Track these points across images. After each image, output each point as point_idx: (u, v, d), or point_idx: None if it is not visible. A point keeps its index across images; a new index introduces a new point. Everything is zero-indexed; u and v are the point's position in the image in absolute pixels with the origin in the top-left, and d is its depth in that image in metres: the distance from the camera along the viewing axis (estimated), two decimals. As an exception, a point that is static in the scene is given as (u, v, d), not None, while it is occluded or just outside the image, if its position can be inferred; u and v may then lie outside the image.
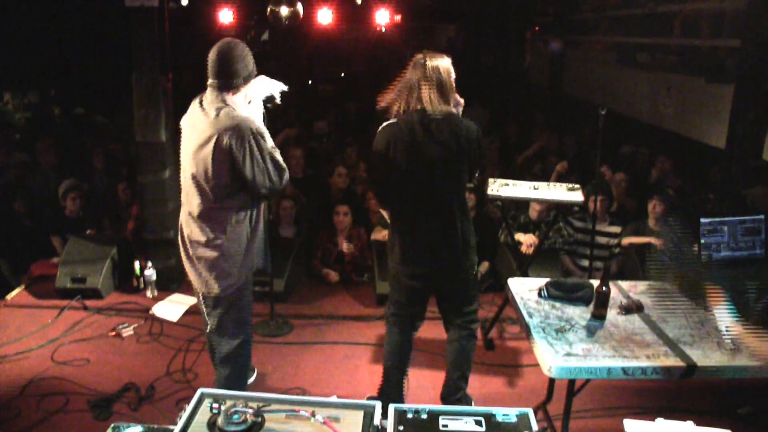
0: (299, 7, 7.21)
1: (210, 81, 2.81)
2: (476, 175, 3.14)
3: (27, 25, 7.40)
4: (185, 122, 2.94)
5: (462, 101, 3.04)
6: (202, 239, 2.87)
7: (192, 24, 8.83)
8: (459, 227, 3.02)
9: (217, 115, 2.74)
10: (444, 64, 2.94)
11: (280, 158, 2.89)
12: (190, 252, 2.93)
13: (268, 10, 7.23)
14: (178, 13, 7.34)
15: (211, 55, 2.81)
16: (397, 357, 3.31)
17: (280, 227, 5.43)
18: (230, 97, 2.81)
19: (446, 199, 2.99)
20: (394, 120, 2.98)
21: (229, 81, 2.79)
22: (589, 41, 9.78)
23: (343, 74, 12.45)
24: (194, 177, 2.82)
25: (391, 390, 3.35)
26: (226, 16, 8.33)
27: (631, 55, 7.98)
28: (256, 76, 2.96)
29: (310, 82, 11.62)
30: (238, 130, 2.70)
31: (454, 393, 3.33)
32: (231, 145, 2.69)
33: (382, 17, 8.68)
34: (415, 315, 3.29)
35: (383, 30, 9.10)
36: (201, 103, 2.86)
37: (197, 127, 2.80)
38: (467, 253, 3.09)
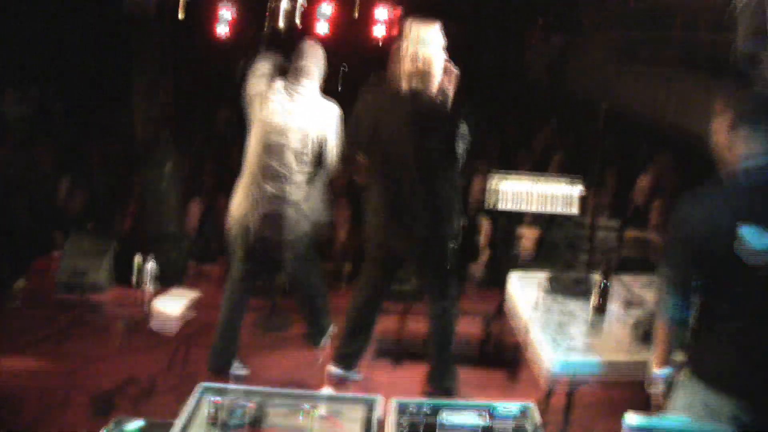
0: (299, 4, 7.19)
1: None
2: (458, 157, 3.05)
3: (27, 25, 7.39)
4: None
5: (455, 69, 3.02)
6: None
7: (192, 24, 8.82)
8: (436, 202, 3.03)
9: None
10: (427, 32, 2.95)
11: None
12: None
13: (268, 10, 7.21)
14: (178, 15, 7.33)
15: None
16: (360, 306, 3.47)
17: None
18: None
19: (417, 169, 2.99)
20: (374, 88, 3.05)
21: None
22: (590, 39, 9.76)
23: (343, 74, 12.41)
24: None
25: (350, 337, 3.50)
26: (226, 16, 8.30)
27: (631, 53, 7.95)
28: None
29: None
30: None
31: (437, 367, 3.37)
32: None
33: (382, 15, 8.65)
34: (381, 277, 3.40)
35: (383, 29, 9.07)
36: None
37: None
38: (440, 226, 3.09)
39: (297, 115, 3.37)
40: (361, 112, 3.11)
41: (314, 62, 3.43)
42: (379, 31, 8.50)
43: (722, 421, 2.00)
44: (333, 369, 3.54)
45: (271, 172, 3.39)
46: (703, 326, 2.07)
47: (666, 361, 2.13)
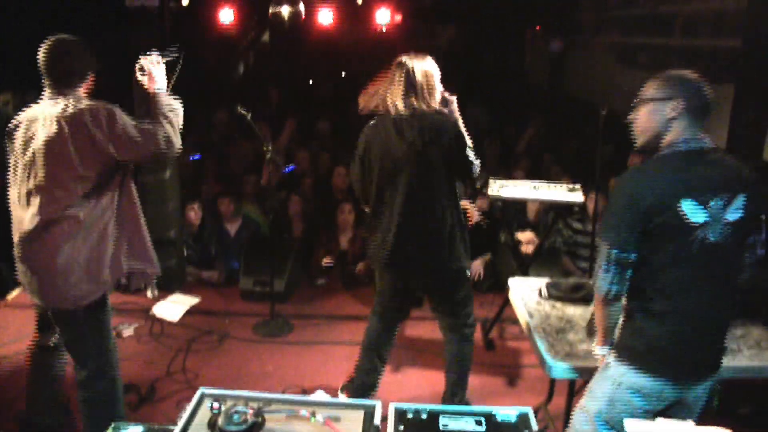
0: (301, 7, 7.22)
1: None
2: (471, 173, 3.05)
3: (27, 25, 7.41)
4: None
5: (452, 98, 3.06)
6: None
7: (193, 24, 8.83)
8: (440, 227, 3.01)
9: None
10: (423, 65, 2.97)
11: None
12: None
13: (270, 10, 7.25)
14: (179, 14, 7.34)
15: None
16: (374, 342, 3.36)
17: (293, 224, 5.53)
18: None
19: (421, 198, 2.99)
20: (374, 121, 3.05)
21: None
22: (590, 41, 9.78)
23: (343, 74, 12.47)
24: None
25: (364, 370, 3.40)
26: (226, 15, 8.34)
27: (631, 56, 7.97)
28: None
29: (310, 82, 11.63)
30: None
31: (450, 398, 3.34)
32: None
33: (383, 17, 8.69)
34: (395, 309, 3.34)
35: (383, 30, 9.11)
36: None
37: None
38: (452, 254, 3.06)
39: None
40: (361, 151, 3.12)
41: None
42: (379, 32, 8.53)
43: (650, 400, 2.09)
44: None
45: None
46: (631, 305, 2.11)
47: (608, 339, 2.19)
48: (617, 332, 2.18)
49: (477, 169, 3.03)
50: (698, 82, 2.07)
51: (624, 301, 2.12)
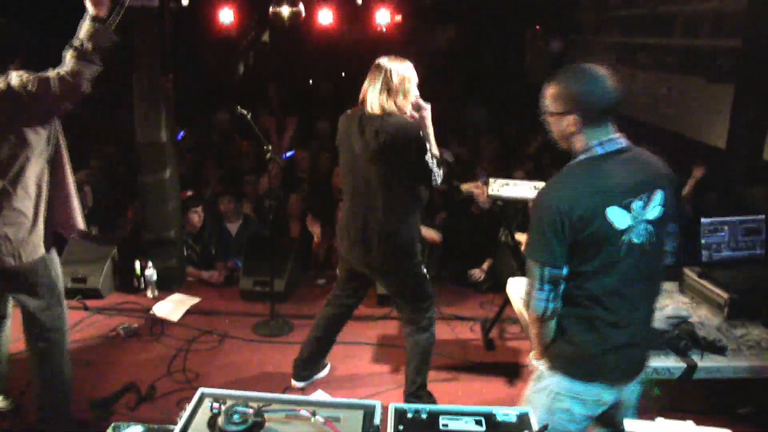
0: (301, 7, 7.21)
1: None
2: (429, 180, 3.06)
3: (27, 25, 7.40)
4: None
5: (426, 106, 3.07)
6: None
7: (193, 24, 8.82)
8: (382, 228, 3.08)
9: None
10: (400, 68, 3.01)
11: None
12: None
13: (270, 10, 7.24)
14: (179, 13, 7.33)
15: None
16: (321, 324, 3.60)
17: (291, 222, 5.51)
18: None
19: (371, 196, 3.08)
20: (349, 111, 3.15)
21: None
22: (590, 41, 9.78)
23: (343, 74, 12.47)
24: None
25: (310, 346, 3.64)
26: (226, 15, 8.33)
27: (632, 56, 7.97)
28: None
29: (310, 82, 11.62)
30: None
31: (409, 387, 3.40)
32: None
33: (383, 17, 8.68)
34: (345, 296, 3.54)
35: (383, 30, 9.10)
36: None
37: None
38: (394, 256, 3.14)
39: None
40: (337, 139, 3.24)
41: None
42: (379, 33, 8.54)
43: (589, 406, 2.09)
44: (295, 384, 3.71)
45: None
46: (561, 315, 2.07)
47: (545, 353, 2.17)
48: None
49: (438, 178, 3.06)
50: (594, 86, 1.96)
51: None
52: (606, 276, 1.99)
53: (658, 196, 1.99)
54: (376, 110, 2.99)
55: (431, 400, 3.45)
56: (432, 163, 3.01)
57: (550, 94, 2.03)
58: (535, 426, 1.73)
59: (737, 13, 5.76)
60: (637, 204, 1.96)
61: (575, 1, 10.00)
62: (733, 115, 5.24)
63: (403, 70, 3.01)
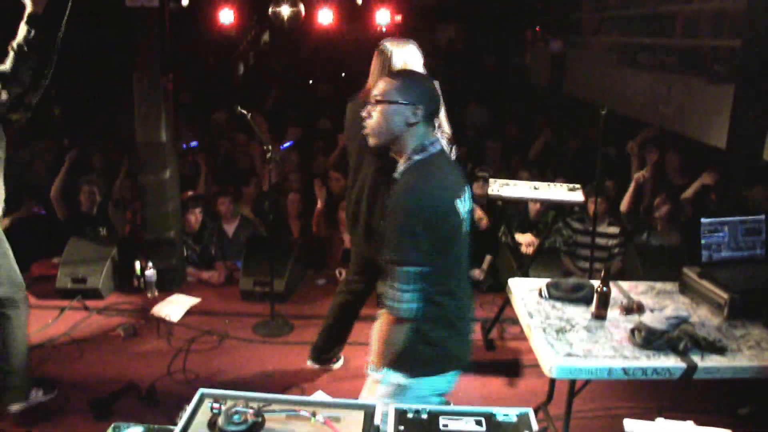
0: (301, 7, 7.22)
1: None
2: None
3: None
4: None
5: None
6: None
7: (193, 24, 8.83)
8: (368, 214, 3.13)
9: None
10: (402, 51, 3.00)
11: None
12: None
13: (270, 10, 7.24)
14: (179, 13, 7.34)
15: None
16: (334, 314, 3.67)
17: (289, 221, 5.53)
18: None
19: (368, 178, 3.09)
20: (356, 99, 3.14)
21: None
22: (590, 41, 9.78)
23: (343, 74, 12.48)
24: None
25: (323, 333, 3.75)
26: (226, 16, 8.33)
27: (631, 56, 7.97)
28: None
29: (310, 82, 11.63)
30: None
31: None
32: None
33: (383, 17, 8.69)
34: (359, 281, 3.57)
35: (384, 30, 9.10)
36: None
37: None
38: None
39: None
40: (345, 125, 3.26)
41: None
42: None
43: (430, 401, 2.13)
44: (311, 364, 3.83)
45: None
46: (420, 316, 2.05)
47: (396, 359, 2.13)
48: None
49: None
50: (432, 84, 2.14)
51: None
52: (455, 267, 2.11)
53: (467, 191, 2.17)
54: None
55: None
56: (444, 141, 3.00)
57: (394, 83, 2.08)
58: (535, 426, 1.73)
59: (737, 13, 5.76)
60: (463, 198, 2.12)
61: (575, 1, 10.00)
62: (733, 115, 5.24)
63: (404, 52, 3.00)
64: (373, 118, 2.09)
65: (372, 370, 2.19)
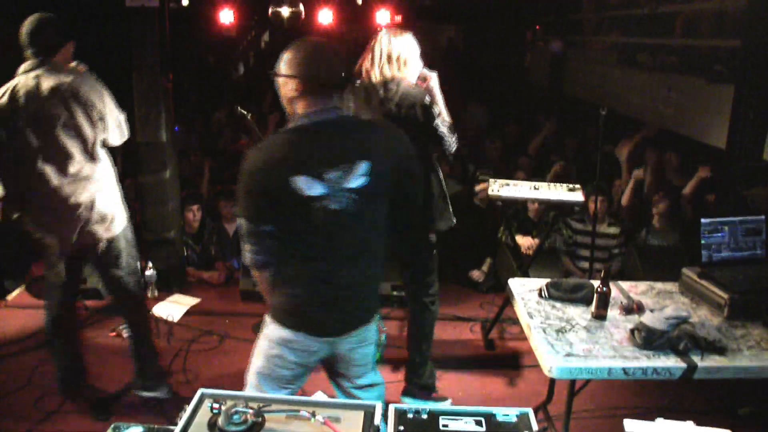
0: (301, 7, 7.22)
1: None
2: (443, 145, 3.09)
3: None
4: None
5: (431, 74, 3.11)
6: None
7: (193, 24, 8.83)
8: None
9: None
10: (397, 40, 3.02)
11: None
12: None
13: (270, 10, 7.24)
14: (179, 13, 7.34)
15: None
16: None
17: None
18: None
19: None
20: (355, 84, 3.13)
21: None
22: (590, 41, 9.78)
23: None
24: None
25: None
26: (226, 16, 8.33)
27: (631, 56, 7.97)
28: None
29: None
30: None
31: (410, 366, 3.50)
32: None
33: (383, 18, 8.68)
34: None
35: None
36: None
37: None
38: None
39: None
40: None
41: None
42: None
43: (299, 354, 2.28)
44: None
45: None
46: (274, 270, 2.22)
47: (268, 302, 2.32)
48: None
49: (451, 144, 3.08)
50: (318, 59, 2.12)
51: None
52: (311, 236, 2.14)
53: (362, 167, 2.11)
54: (379, 79, 3.00)
55: (432, 376, 3.50)
56: (443, 128, 3.02)
57: (284, 58, 2.16)
58: (535, 426, 1.73)
59: (737, 13, 5.76)
60: (333, 174, 2.07)
61: (575, 1, 10.00)
62: (732, 115, 5.24)
63: (401, 41, 3.02)
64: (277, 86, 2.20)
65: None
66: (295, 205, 2.06)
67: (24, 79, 2.87)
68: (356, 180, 2.10)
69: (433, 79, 3.10)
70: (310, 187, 2.05)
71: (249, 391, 2.38)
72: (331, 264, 2.19)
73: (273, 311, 2.29)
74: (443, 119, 3.04)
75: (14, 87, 2.86)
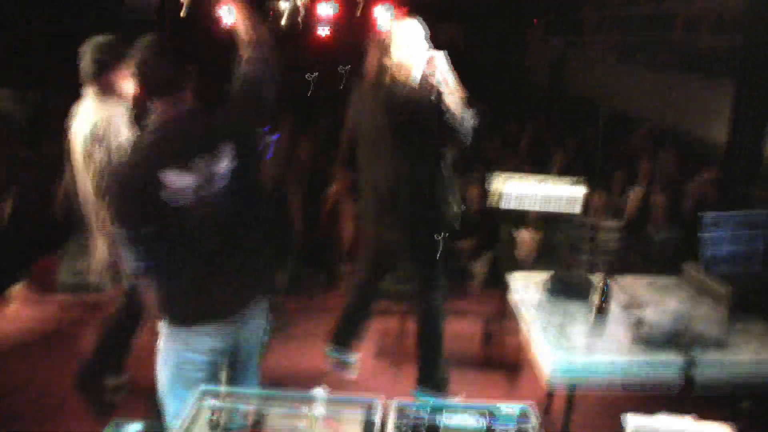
0: (300, 4, 7.23)
1: None
2: (456, 138, 2.97)
3: (27, 24, 7.41)
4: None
5: (438, 54, 3.00)
6: None
7: (192, 24, 8.83)
8: (413, 190, 3.08)
9: None
10: (396, 25, 3.02)
11: None
12: None
13: (270, 10, 7.25)
14: (179, 11, 7.35)
15: None
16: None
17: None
18: None
19: (396, 161, 3.04)
20: (358, 88, 3.13)
21: None
22: (590, 41, 9.78)
23: (344, 72, 12.48)
24: None
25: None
26: (226, 16, 8.32)
27: (631, 54, 7.98)
28: None
29: (311, 78, 11.63)
30: None
31: (425, 362, 3.47)
32: None
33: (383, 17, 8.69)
34: (371, 278, 3.60)
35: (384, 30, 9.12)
36: None
37: None
38: (424, 216, 3.16)
39: None
40: (348, 110, 3.23)
41: None
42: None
43: (205, 353, 2.22)
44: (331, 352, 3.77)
45: None
46: (163, 270, 2.17)
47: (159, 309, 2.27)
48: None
49: (466, 133, 2.94)
50: (158, 58, 2.13)
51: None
52: (187, 230, 2.10)
53: (226, 149, 2.12)
54: (382, 77, 2.96)
55: (444, 371, 3.50)
56: (454, 120, 2.89)
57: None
58: (536, 421, 1.73)
59: (737, 12, 5.76)
60: (200, 163, 2.07)
61: (576, 1, 10.00)
62: (733, 113, 5.24)
63: (400, 26, 3.00)
64: None
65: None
66: (170, 199, 2.05)
67: None
68: (224, 163, 2.12)
69: (441, 58, 2.97)
70: (180, 179, 2.05)
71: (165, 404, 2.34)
72: (214, 251, 2.17)
73: (169, 315, 2.23)
74: (452, 113, 2.89)
75: None
